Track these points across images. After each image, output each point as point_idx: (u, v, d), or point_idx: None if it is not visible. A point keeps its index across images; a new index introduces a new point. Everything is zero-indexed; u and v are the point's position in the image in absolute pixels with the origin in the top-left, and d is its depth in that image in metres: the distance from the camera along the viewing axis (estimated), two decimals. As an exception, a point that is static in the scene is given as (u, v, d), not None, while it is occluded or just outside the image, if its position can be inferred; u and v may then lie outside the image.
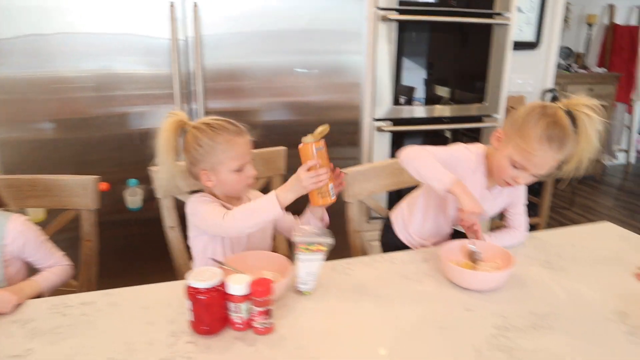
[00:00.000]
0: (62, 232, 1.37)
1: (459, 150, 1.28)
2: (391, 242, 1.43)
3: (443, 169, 1.17)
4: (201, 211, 1.14)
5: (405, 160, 1.23)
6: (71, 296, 1.04)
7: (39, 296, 1.08)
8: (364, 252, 1.49)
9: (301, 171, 1.07)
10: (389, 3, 2.11)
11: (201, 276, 0.87)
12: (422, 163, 1.20)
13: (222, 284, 0.88)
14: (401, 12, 2.13)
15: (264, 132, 2.06)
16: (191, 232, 1.21)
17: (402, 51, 2.23)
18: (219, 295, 0.87)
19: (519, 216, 1.35)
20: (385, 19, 2.10)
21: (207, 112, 1.95)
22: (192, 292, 0.86)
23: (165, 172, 1.16)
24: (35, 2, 1.68)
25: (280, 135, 1.98)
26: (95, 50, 1.78)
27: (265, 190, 1.65)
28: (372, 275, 1.15)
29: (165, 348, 0.86)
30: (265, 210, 1.08)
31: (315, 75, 2.06)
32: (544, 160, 1.14)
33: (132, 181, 1.95)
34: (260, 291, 0.87)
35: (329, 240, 1.04)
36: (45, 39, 1.72)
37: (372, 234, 2.22)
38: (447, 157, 1.23)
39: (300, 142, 1.10)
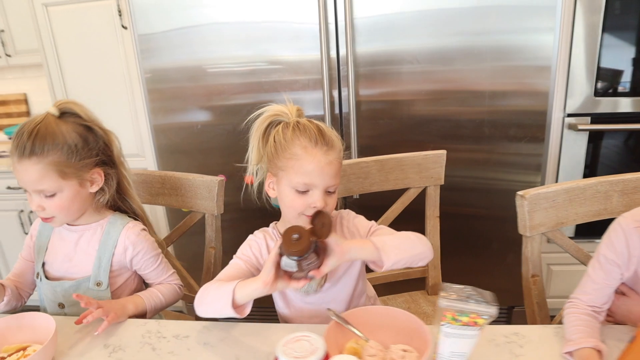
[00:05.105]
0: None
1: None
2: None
3: None
4: None
5: None
6: (169, 324, 0.91)
7: (142, 314, 0.98)
8: (544, 312, 1.08)
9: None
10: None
11: (295, 349, 0.62)
12: None
13: (325, 363, 0.62)
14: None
15: (424, 124, 1.77)
16: None
17: (606, 24, 1.66)
18: (319, 380, 0.62)
19: None
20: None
21: (358, 100, 1.72)
22: (282, 372, 0.62)
23: None
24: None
25: (443, 129, 1.71)
26: (245, 38, 1.69)
27: (417, 204, 1.39)
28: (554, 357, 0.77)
29: None
30: (219, 301, 0.81)
31: (489, 59, 1.65)
32: None
33: (277, 174, 1.83)
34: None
35: (492, 311, 0.70)
36: (197, 30, 1.69)
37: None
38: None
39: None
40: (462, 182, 1.80)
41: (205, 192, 1.23)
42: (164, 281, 1.05)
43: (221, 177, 1.22)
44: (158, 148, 1.87)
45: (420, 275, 1.42)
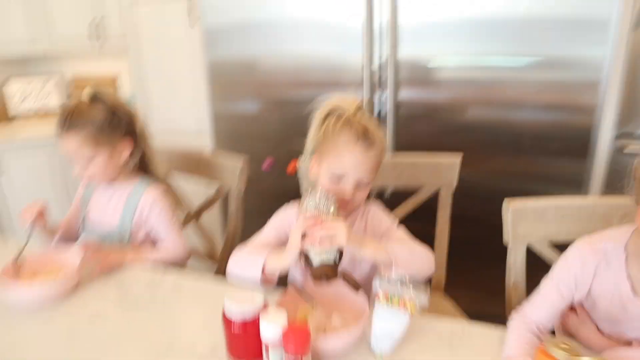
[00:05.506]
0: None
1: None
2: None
3: None
4: None
5: None
6: (169, 276, 1.08)
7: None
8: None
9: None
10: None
11: (238, 301, 0.75)
12: None
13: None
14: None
15: (462, 131, 1.78)
16: None
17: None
18: (255, 328, 0.74)
19: None
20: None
21: (397, 103, 1.79)
22: (226, 318, 0.75)
23: None
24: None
25: (482, 137, 1.72)
26: (295, 36, 1.83)
27: (431, 203, 1.43)
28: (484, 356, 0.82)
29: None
30: (249, 267, 0.93)
31: (534, 70, 1.63)
32: None
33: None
34: (291, 343, 0.69)
35: (422, 299, 0.77)
36: (255, 26, 1.86)
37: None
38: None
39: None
40: (499, 192, 1.79)
41: (231, 170, 1.39)
42: (172, 240, 1.21)
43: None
44: (216, 131, 2.09)
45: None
